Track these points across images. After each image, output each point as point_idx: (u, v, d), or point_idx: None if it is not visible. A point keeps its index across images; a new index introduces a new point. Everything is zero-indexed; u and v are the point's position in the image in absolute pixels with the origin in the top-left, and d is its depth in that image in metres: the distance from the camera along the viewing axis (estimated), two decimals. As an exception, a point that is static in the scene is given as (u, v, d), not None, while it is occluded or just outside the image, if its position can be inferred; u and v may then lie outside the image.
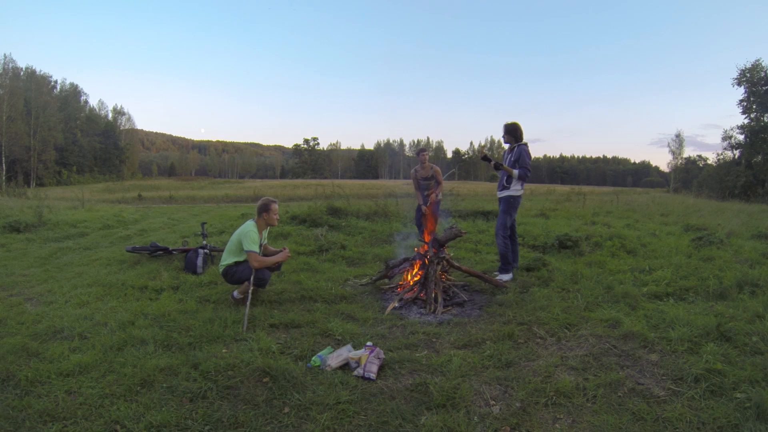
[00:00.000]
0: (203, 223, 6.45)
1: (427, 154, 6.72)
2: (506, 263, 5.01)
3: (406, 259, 4.75)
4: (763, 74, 30.23)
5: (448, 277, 4.64)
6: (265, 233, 4.23)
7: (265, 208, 4.11)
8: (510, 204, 5.06)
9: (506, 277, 4.95)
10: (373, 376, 2.70)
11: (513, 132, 5.09)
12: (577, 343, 3.24)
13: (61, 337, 3.33)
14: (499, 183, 5.24)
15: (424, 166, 6.51)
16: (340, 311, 3.95)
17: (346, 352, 2.93)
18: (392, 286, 4.68)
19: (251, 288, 3.89)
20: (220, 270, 4.17)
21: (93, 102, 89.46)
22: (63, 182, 50.69)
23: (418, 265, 4.57)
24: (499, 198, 5.20)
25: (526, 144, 5.08)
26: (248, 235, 3.99)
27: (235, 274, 4.05)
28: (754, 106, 31.05)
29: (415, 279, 4.49)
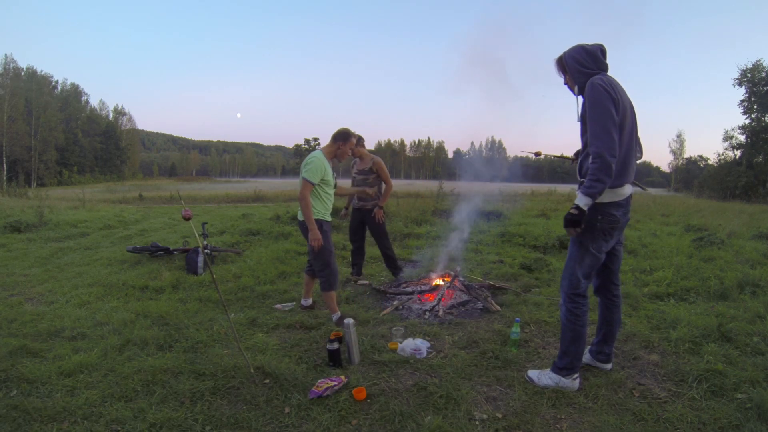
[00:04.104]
0: (204, 224, 6.44)
1: (353, 140, 3.88)
2: (566, 356, 2.53)
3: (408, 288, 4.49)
4: (764, 74, 30.26)
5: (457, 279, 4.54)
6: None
7: (344, 137, 3.57)
8: (587, 225, 2.40)
9: (553, 379, 2.56)
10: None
11: (560, 65, 2.51)
12: (577, 343, 3.23)
13: (61, 337, 3.34)
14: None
15: (360, 155, 4.67)
16: (341, 312, 3.94)
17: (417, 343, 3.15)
18: (393, 287, 4.67)
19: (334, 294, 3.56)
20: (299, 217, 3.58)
21: (94, 102, 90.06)
22: (64, 182, 50.75)
23: (433, 297, 4.22)
24: None
25: (599, 77, 2.31)
26: (312, 163, 3.30)
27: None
28: (755, 107, 31.11)
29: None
